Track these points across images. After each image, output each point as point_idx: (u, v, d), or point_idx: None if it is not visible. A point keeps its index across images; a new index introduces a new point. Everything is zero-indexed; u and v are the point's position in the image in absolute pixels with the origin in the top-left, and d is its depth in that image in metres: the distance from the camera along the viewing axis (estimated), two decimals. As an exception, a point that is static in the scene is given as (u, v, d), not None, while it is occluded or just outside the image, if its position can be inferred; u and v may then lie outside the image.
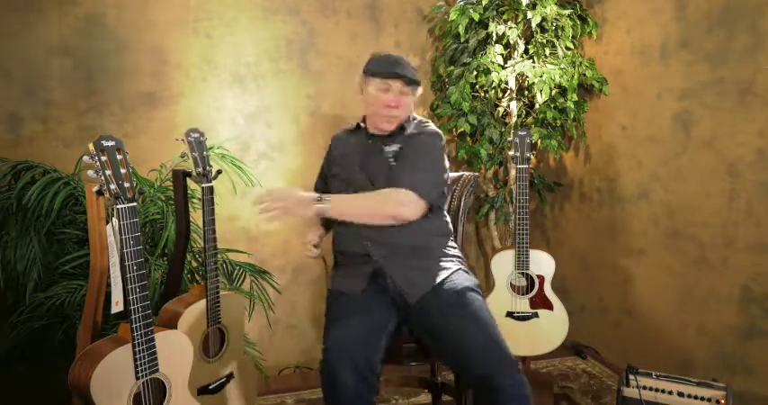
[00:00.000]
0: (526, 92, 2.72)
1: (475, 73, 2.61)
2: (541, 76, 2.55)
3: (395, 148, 1.80)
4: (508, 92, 2.73)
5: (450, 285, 1.66)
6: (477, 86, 2.66)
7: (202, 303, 1.73)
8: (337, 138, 1.97)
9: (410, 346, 1.70)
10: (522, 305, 2.32)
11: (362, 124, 1.89)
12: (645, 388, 1.93)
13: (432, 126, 1.87)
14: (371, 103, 1.79)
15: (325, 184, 1.99)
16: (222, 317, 1.78)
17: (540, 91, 2.57)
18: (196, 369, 1.70)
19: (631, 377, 1.95)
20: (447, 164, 1.82)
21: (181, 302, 1.72)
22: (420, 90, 1.84)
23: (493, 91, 2.67)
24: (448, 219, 1.88)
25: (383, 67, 1.76)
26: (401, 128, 1.83)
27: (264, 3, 2.64)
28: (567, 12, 2.61)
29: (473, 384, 1.48)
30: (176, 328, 1.63)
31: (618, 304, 2.73)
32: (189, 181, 1.80)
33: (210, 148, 2.27)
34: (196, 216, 1.98)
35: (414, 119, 1.88)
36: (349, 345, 1.50)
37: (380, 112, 1.78)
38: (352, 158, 1.84)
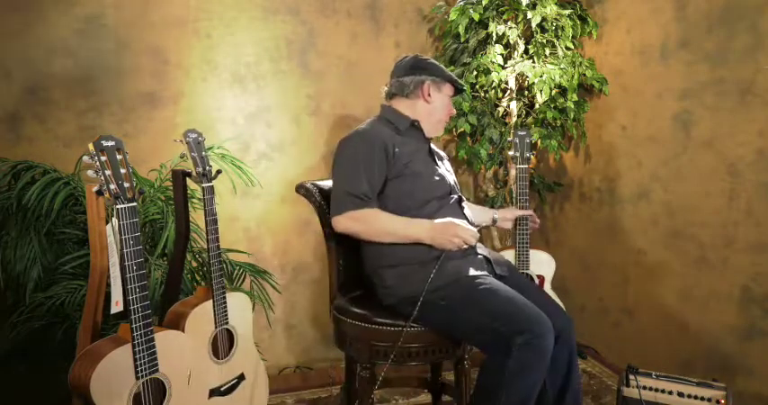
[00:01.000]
0: (526, 92, 2.72)
1: (475, 73, 2.61)
2: (541, 76, 2.55)
3: (441, 151, 2.04)
4: (508, 92, 2.73)
5: (508, 262, 1.95)
6: (477, 86, 2.66)
7: (208, 304, 1.73)
8: (388, 135, 1.80)
9: (411, 346, 1.70)
10: (522, 305, 2.32)
11: (416, 125, 1.89)
12: (645, 388, 1.92)
13: None
14: (439, 109, 1.88)
15: (375, 188, 1.76)
16: (230, 318, 1.78)
17: (540, 91, 2.57)
18: (206, 371, 1.71)
19: (631, 377, 1.95)
20: None
21: (186, 304, 1.71)
22: None
23: (493, 91, 2.67)
24: None
25: (453, 77, 1.88)
26: None
27: (264, 3, 2.64)
28: (567, 12, 2.61)
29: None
30: (182, 331, 1.63)
31: (618, 304, 2.73)
32: (189, 181, 1.80)
33: (210, 148, 2.27)
34: (196, 216, 1.98)
35: None
36: (537, 311, 1.58)
37: (444, 119, 1.91)
38: (427, 160, 1.88)
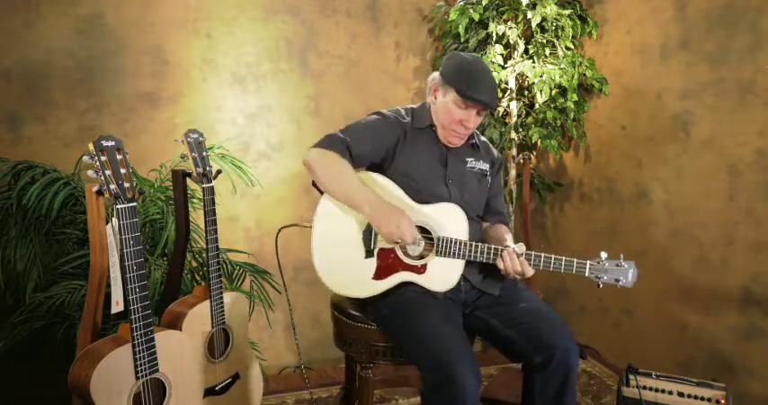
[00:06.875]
0: (526, 92, 2.72)
1: (475, 73, 2.60)
2: (541, 76, 2.55)
3: (478, 166, 1.80)
4: (508, 92, 2.73)
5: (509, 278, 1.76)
6: (477, 86, 2.66)
7: (205, 304, 1.73)
8: (408, 128, 1.73)
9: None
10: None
11: (434, 129, 1.75)
12: (645, 388, 1.93)
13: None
14: (444, 114, 1.69)
15: (364, 152, 1.69)
16: (226, 317, 1.78)
17: (540, 91, 2.57)
18: (202, 370, 1.71)
19: (631, 377, 1.95)
20: None
21: (183, 304, 1.72)
22: None
23: (493, 91, 2.66)
24: None
25: (475, 90, 1.63)
26: (473, 143, 1.81)
27: (264, 3, 2.64)
28: (567, 12, 2.61)
29: (545, 353, 1.55)
30: (180, 330, 1.63)
31: (618, 304, 2.73)
32: (189, 181, 1.80)
33: (210, 148, 2.27)
34: (196, 216, 1.98)
35: None
36: (461, 345, 1.50)
37: (451, 127, 1.69)
38: (432, 167, 1.73)
